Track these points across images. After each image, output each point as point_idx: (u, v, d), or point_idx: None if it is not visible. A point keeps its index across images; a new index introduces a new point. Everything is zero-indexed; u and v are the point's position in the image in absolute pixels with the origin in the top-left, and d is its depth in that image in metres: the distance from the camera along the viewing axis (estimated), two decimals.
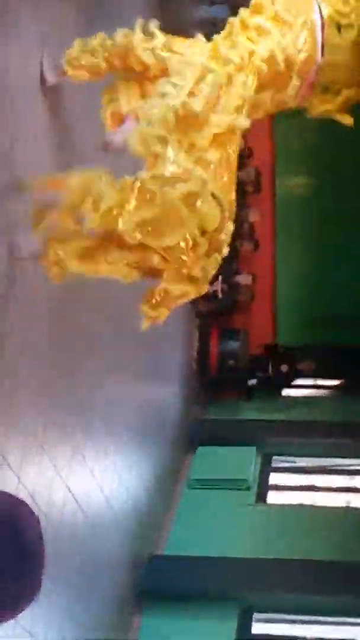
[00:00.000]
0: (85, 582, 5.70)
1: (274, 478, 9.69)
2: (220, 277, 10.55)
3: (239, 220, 10.68)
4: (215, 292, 10.56)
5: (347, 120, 4.95)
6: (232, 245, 11.03)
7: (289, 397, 11.79)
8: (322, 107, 4.98)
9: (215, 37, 4.53)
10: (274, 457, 10.04)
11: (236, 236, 10.83)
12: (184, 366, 9.89)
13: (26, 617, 4.43)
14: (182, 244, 4.01)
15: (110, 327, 6.36)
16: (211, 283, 10.69)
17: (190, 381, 10.16)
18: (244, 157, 10.62)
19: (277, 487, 9.57)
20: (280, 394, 11.64)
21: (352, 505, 9.34)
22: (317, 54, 4.61)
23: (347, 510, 9.20)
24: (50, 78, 4.71)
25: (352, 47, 4.71)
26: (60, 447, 5.09)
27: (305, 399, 11.92)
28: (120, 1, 6.69)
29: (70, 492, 5.27)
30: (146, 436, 7.69)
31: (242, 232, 11.04)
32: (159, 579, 7.36)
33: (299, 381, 11.66)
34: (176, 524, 8.43)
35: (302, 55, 4.56)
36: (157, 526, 8.11)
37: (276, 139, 12.08)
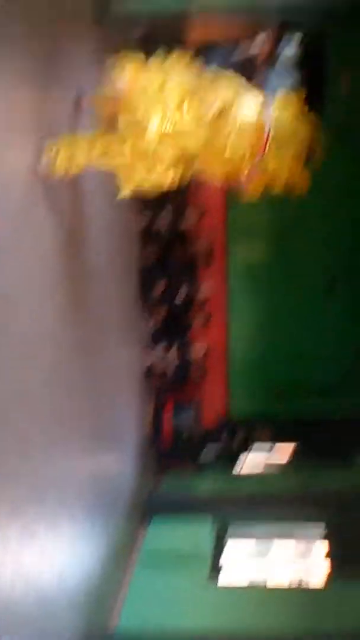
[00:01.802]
0: None
1: (229, 550, 9.61)
2: (173, 349, 10.61)
3: (192, 293, 10.94)
4: (168, 363, 10.60)
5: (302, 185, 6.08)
6: (185, 317, 11.25)
7: (242, 468, 11.75)
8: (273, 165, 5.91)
9: None
10: (229, 530, 9.98)
11: (189, 308, 11.06)
12: (138, 438, 9.85)
13: None
14: None
15: (63, 397, 6.34)
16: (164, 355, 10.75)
17: (144, 453, 10.12)
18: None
19: (232, 560, 9.49)
20: (234, 464, 11.60)
21: (307, 579, 9.27)
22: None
23: (302, 583, 9.13)
24: None
25: (292, 122, 5.90)
26: (10, 523, 5.01)
27: (260, 469, 11.89)
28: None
29: (20, 569, 5.18)
30: (100, 509, 7.61)
31: (195, 304, 11.15)
32: None
33: (253, 451, 11.65)
34: (130, 599, 8.29)
35: None
36: (111, 602, 7.97)
37: (228, 211, 12.26)
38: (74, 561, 6.58)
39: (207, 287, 11.07)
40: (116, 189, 5.93)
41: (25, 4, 5.57)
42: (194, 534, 9.41)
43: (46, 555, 5.79)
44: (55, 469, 6.07)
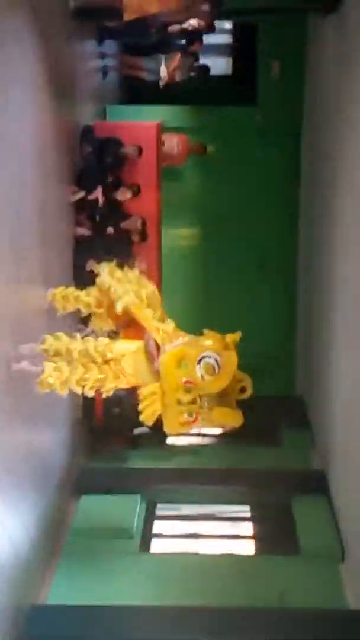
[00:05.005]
0: None
1: (158, 526, 9.67)
2: None
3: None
4: None
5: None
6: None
7: (173, 445, 11.81)
8: None
9: None
10: (158, 505, 10.03)
11: None
12: (69, 413, 9.80)
13: None
14: None
15: None
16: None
17: (76, 428, 10.08)
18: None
19: (161, 535, 9.55)
20: (165, 441, 11.65)
21: (236, 552, 9.38)
22: None
23: (231, 557, 9.23)
24: None
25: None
26: None
27: (190, 446, 11.96)
28: None
29: None
30: (31, 484, 7.57)
31: None
32: (42, 629, 7.17)
33: None
34: (60, 573, 8.29)
35: None
36: (40, 575, 7.95)
37: (163, 188, 12.27)
38: (3, 535, 6.54)
39: (142, 263, 11.00)
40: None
41: None
42: (124, 509, 9.42)
43: None
44: None
